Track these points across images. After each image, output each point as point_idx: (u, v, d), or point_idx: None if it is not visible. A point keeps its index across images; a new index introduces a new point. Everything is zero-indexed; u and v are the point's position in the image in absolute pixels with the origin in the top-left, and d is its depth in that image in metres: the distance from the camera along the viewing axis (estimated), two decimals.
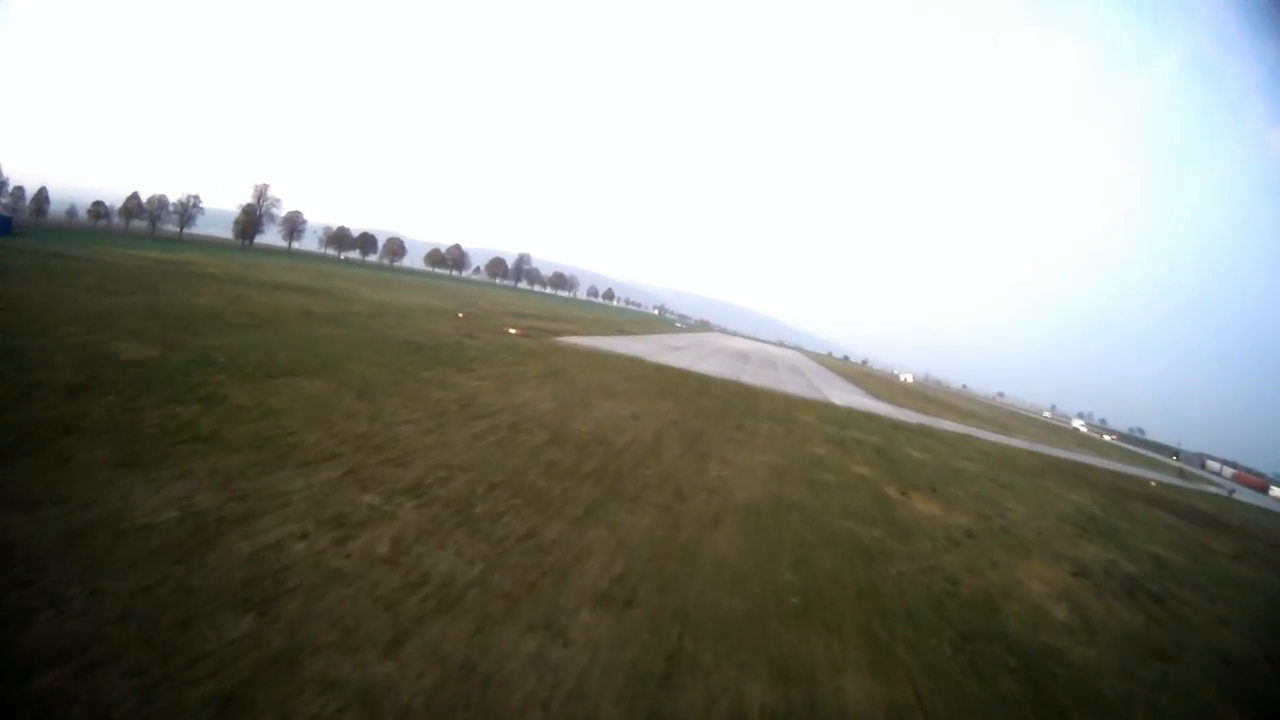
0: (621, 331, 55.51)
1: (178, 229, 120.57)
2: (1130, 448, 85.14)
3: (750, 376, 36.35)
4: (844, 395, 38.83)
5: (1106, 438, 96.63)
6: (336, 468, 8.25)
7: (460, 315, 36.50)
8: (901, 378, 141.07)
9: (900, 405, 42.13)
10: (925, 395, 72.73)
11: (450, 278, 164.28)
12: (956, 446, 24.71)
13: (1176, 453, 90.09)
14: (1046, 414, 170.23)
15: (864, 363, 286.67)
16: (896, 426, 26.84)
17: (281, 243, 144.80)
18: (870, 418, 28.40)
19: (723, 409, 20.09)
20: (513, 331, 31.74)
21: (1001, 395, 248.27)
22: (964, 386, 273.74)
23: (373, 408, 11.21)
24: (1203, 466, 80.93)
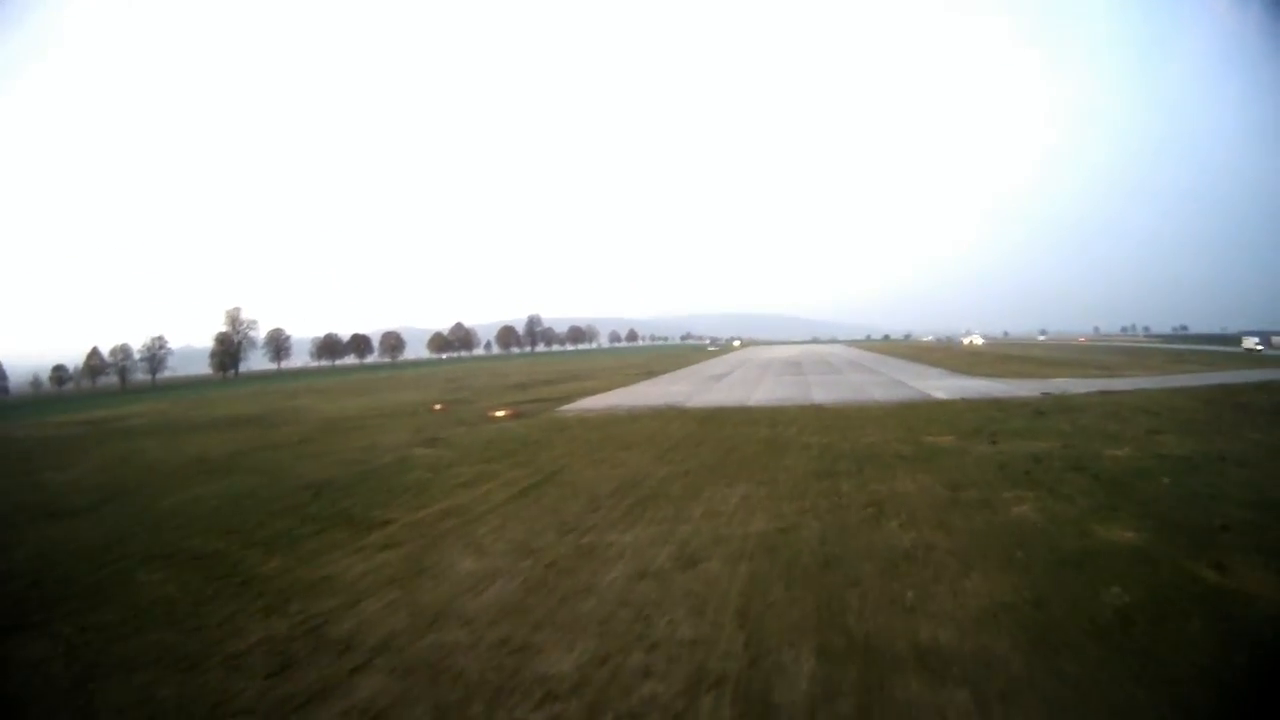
0: (649, 374, 48.93)
1: (150, 377, 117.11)
2: (1209, 348, 75.62)
3: (820, 391, 29.38)
4: (934, 382, 31.54)
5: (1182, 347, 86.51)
6: None
7: (438, 408, 30.38)
8: (966, 341, 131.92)
9: (994, 375, 34.63)
10: (1003, 355, 64.63)
11: (457, 360, 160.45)
12: (1125, 418, 17.52)
13: (1239, 339, 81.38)
14: (1082, 339, 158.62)
15: (906, 337, 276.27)
16: (1039, 411, 19.69)
17: (270, 365, 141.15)
18: (996, 405, 21.11)
19: (827, 467, 13.04)
20: (500, 414, 25.43)
21: (1044, 333, 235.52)
22: (1005, 334, 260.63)
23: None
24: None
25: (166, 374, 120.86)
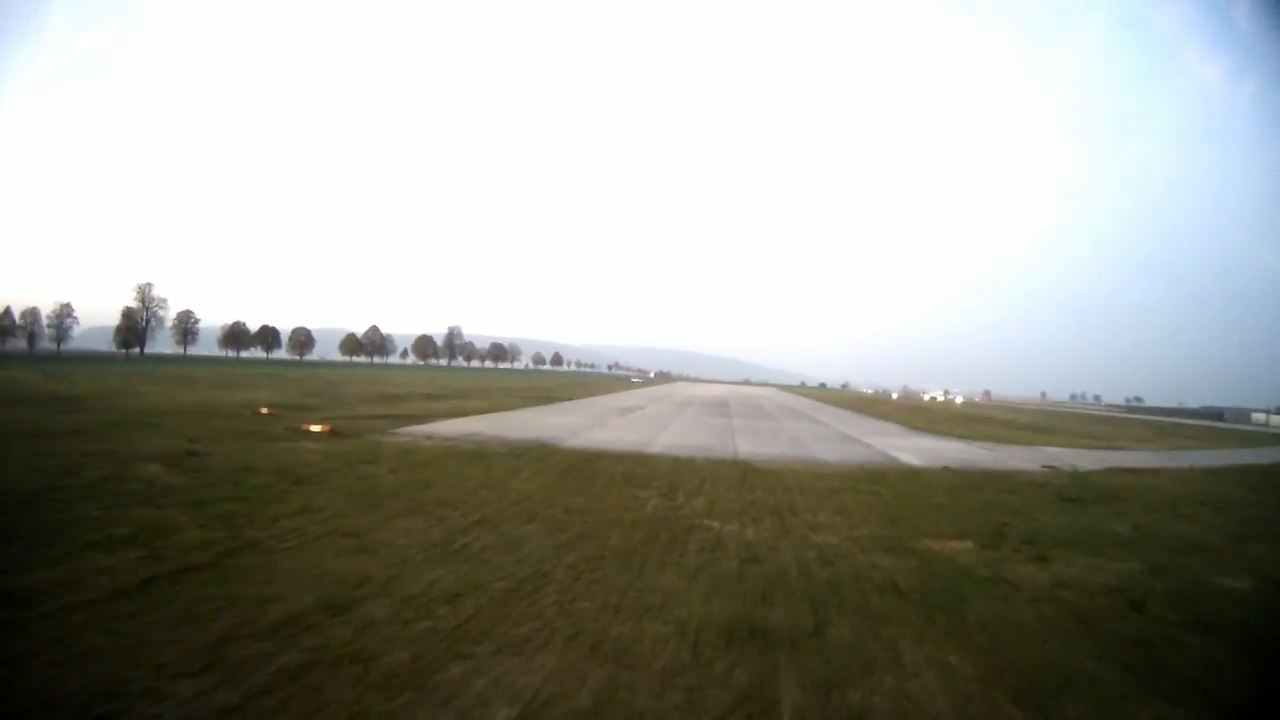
0: (548, 399, 41.46)
1: (56, 346, 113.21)
2: (1171, 420, 75.29)
3: (748, 440, 22.76)
4: (894, 440, 25.63)
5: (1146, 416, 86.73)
6: None
7: (264, 411, 22.55)
8: (927, 396, 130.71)
9: (966, 437, 29.22)
10: (963, 415, 60.62)
11: (359, 365, 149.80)
12: (1186, 513, 11.64)
13: (1221, 414, 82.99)
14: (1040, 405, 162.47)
15: (844, 386, 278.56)
16: (1065, 496, 13.55)
17: (176, 349, 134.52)
18: (996, 481, 14.77)
19: (746, 614, 6.10)
20: (315, 429, 17.92)
21: (989, 394, 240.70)
22: (946, 393, 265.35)
23: None
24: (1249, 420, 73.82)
25: (71, 346, 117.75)
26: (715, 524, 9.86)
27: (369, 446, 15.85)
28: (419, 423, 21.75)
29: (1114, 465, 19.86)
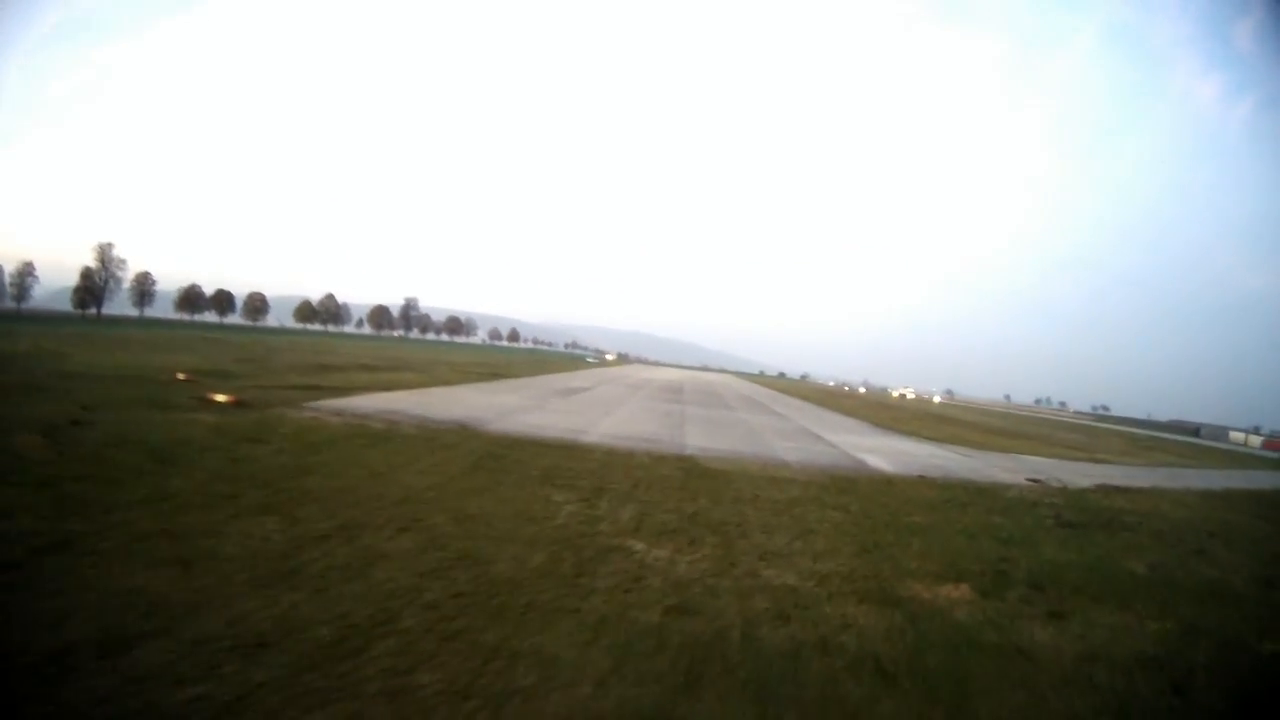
0: (492, 375, 38.68)
1: (16, 305, 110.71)
2: (1146, 433, 76.12)
3: (699, 432, 20.53)
4: (859, 439, 23.79)
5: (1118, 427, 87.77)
6: None
7: (181, 378, 19.45)
8: (896, 393, 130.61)
9: (936, 439, 27.64)
10: (926, 413, 59.74)
11: (309, 333, 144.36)
12: (1205, 549, 9.93)
13: (1197, 430, 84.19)
14: (1000, 407, 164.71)
15: (803, 377, 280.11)
16: (1063, 519, 11.55)
17: (133, 310, 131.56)
18: (981, 497, 12.67)
19: (649, 648, 4.49)
20: (221, 398, 15.16)
21: (951, 393, 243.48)
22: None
23: None
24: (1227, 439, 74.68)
25: (34, 305, 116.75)
26: (640, 546, 7.58)
27: (266, 421, 13.19)
28: (339, 396, 19.02)
29: (1103, 482, 18.34)
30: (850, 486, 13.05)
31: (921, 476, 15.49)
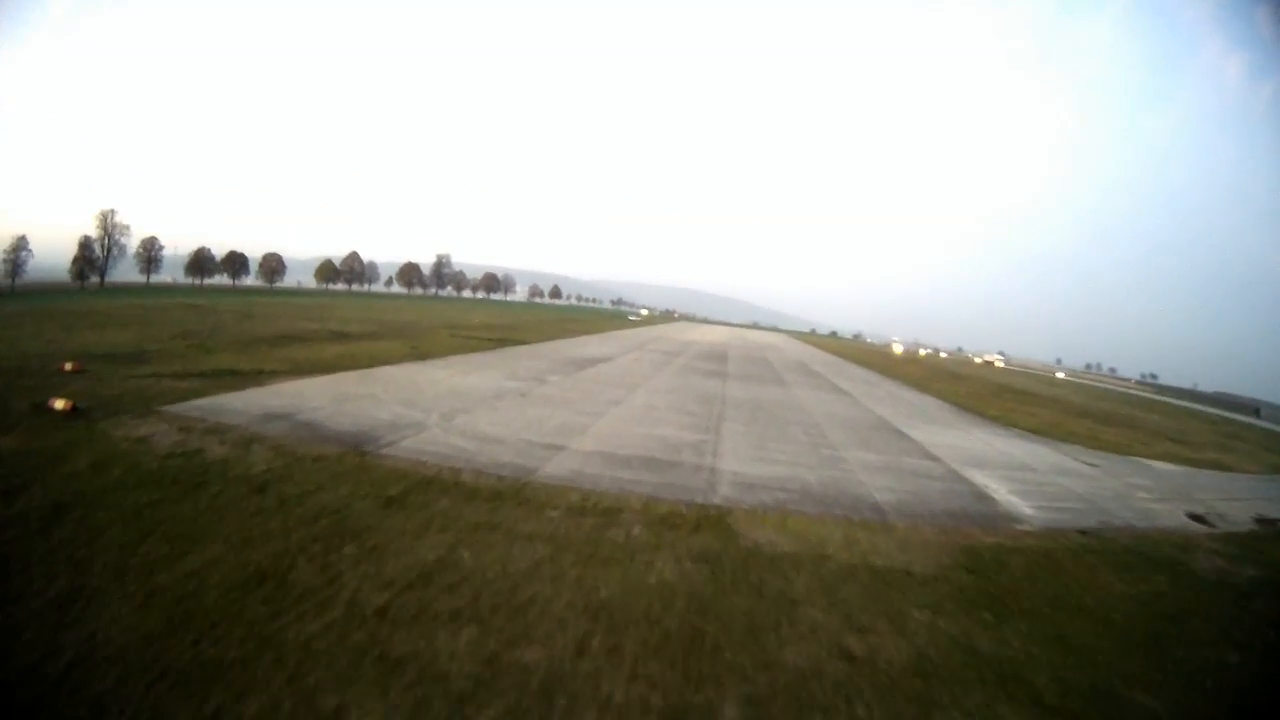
0: (500, 343, 33.30)
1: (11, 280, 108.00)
2: (1212, 410, 69.58)
3: (744, 437, 15.08)
4: (956, 437, 18.35)
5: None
6: None
7: (68, 368, 14.92)
8: (979, 360, 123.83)
9: (1045, 435, 22.01)
10: (1004, 386, 53.28)
11: (328, 293, 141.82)
12: None
13: (1257, 410, 77.83)
14: (1059, 372, 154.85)
15: (856, 337, 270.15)
16: None
17: (141, 277, 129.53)
18: (1164, 576, 7.37)
19: None
20: (59, 405, 10.67)
21: (1003, 355, 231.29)
22: (960, 349, 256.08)
23: None
24: None
25: (27, 279, 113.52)
26: None
27: (58, 452, 8.59)
28: (248, 386, 14.42)
29: (1260, 513, 12.93)
30: (988, 573, 7.73)
31: (1082, 534, 10.04)
